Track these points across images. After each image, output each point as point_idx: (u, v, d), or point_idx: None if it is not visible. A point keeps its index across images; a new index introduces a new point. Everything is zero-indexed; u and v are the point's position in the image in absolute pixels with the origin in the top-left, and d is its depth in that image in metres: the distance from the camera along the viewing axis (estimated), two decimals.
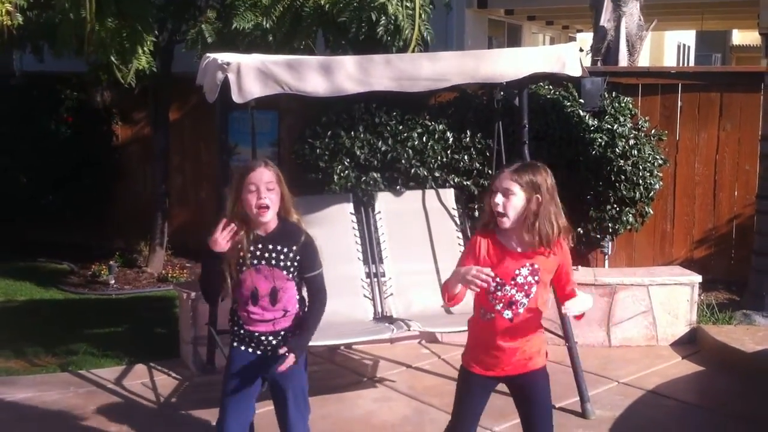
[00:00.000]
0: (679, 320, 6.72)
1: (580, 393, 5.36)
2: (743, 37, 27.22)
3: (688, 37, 25.51)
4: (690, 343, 6.68)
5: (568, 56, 5.27)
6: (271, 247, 3.69)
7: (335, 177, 7.67)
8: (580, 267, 7.04)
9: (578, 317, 3.66)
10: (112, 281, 8.55)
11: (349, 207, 6.12)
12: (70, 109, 9.88)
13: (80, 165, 9.83)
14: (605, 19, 10.96)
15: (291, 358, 3.61)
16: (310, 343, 5.36)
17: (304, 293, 3.86)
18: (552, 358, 6.18)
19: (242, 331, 3.76)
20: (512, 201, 3.43)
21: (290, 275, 3.73)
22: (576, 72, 5.35)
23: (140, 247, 9.32)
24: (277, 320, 3.74)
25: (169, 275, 8.66)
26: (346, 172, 7.71)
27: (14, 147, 9.69)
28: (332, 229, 6.00)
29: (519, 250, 3.50)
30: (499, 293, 3.50)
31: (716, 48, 27.11)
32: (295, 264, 3.73)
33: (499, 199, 3.44)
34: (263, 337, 3.75)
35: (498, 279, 3.46)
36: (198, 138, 9.73)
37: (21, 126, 9.73)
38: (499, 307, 3.51)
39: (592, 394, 5.44)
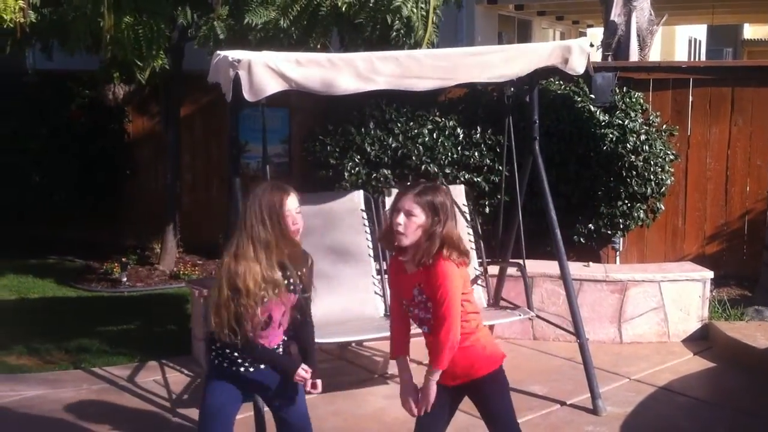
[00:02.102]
0: (690, 316, 6.70)
1: (591, 389, 5.35)
2: (755, 31, 27.12)
3: (699, 31, 25.39)
4: (702, 340, 6.66)
5: (572, 52, 5.28)
6: (288, 272, 3.62)
7: (346, 174, 7.69)
8: (591, 263, 7.03)
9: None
10: (125, 279, 8.57)
11: (360, 203, 6.12)
12: (81, 106, 9.92)
13: (92, 162, 9.87)
14: (616, 14, 10.93)
15: (319, 384, 3.74)
16: (320, 340, 5.40)
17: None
18: (563, 354, 6.26)
19: (235, 354, 3.63)
20: (413, 221, 3.50)
21: (297, 297, 3.71)
22: (580, 69, 5.35)
23: (152, 245, 9.35)
24: (275, 341, 3.72)
25: (181, 272, 8.69)
26: (357, 168, 7.72)
27: (26, 144, 9.74)
28: (343, 225, 6.01)
29: (408, 272, 3.61)
30: (410, 312, 3.66)
31: (727, 42, 26.96)
32: (301, 285, 3.70)
33: (401, 219, 3.51)
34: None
35: (404, 301, 3.67)
36: (209, 135, 9.75)
37: (33, 123, 9.78)
38: (417, 324, 3.67)
39: (603, 391, 5.43)
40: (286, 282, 3.60)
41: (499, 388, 3.68)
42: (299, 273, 3.69)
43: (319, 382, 3.74)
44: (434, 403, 3.66)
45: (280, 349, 3.76)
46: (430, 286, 3.50)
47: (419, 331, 5.64)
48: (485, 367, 3.63)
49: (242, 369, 3.67)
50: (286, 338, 3.79)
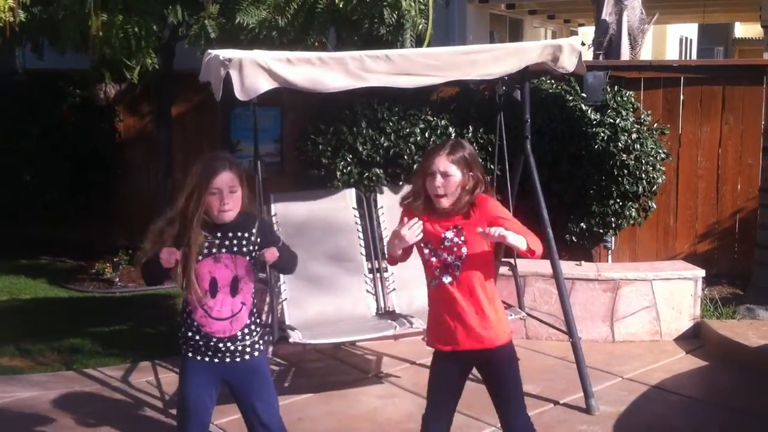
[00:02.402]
0: (682, 315, 6.71)
1: (584, 388, 5.36)
2: (746, 30, 27.16)
3: (690, 30, 25.44)
4: (694, 338, 6.68)
5: (563, 51, 5.30)
6: (231, 234, 3.62)
7: (338, 173, 7.68)
8: (583, 262, 7.04)
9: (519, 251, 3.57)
10: (117, 279, 8.55)
11: (352, 202, 6.12)
12: (72, 106, 9.88)
13: (83, 162, 9.83)
14: (607, 13, 10.96)
15: (272, 251, 3.63)
16: (315, 341, 5.37)
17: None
18: (555, 353, 6.27)
19: (197, 337, 3.64)
20: (451, 182, 3.55)
21: (252, 262, 3.67)
22: (570, 67, 5.37)
23: (144, 245, 9.31)
24: (234, 316, 3.63)
25: (173, 273, 8.64)
26: (349, 168, 7.71)
27: (17, 144, 9.70)
28: (335, 224, 6.01)
29: (440, 216, 3.62)
30: (434, 259, 3.62)
31: (719, 41, 27.02)
32: (256, 247, 3.67)
33: (439, 181, 3.54)
34: (221, 344, 3.63)
35: (429, 245, 3.61)
36: (200, 134, 9.72)
37: (24, 123, 9.73)
38: (437, 273, 3.62)
39: (596, 390, 5.44)
40: (226, 243, 3.60)
41: (513, 359, 3.69)
42: (246, 234, 3.64)
43: (268, 253, 3.61)
44: (445, 379, 3.70)
45: (248, 335, 3.67)
46: (483, 221, 3.54)
47: (414, 330, 5.65)
48: (504, 336, 3.65)
49: (206, 359, 3.66)
50: (254, 318, 3.72)
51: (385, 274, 6.00)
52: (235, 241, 3.63)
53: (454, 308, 3.60)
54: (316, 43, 6.53)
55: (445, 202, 3.57)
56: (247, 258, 3.65)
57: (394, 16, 6.34)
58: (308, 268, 5.78)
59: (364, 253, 6.02)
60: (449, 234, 3.59)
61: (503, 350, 3.65)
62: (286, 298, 5.70)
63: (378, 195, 6.21)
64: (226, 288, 3.62)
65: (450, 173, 3.55)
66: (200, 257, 3.56)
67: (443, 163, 3.56)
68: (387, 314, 5.82)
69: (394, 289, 5.96)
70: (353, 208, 6.11)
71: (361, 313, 5.87)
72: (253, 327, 3.71)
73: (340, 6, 6.32)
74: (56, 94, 9.85)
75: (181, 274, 3.60)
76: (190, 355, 3.68)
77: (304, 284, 5.81)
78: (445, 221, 3.61)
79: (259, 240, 3.68)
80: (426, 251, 3.65)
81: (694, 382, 5.90)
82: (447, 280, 3.60)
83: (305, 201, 6.09)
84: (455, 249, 3.58)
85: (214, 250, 3.60)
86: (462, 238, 3.57)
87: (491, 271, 3.67)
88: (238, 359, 3.68)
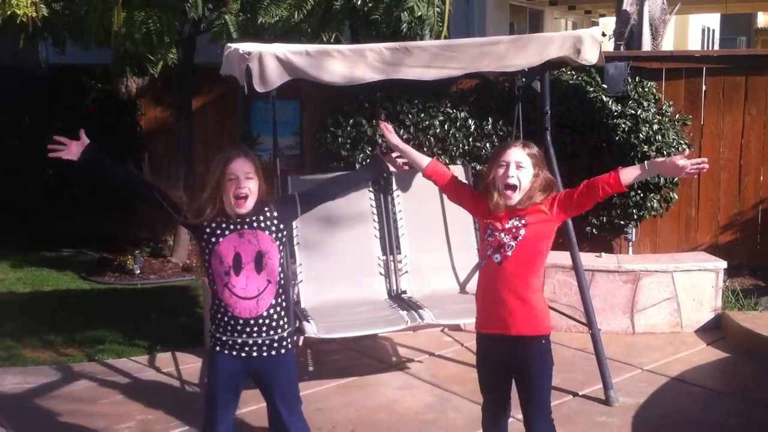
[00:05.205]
0: (703, 306, 6.68)
1: (604, 380, 5.35)
2: None
3: (712, 20, 25.25)
4: (715, 330, 6.64)
5: (584, 42, 5.26)
6: (251, 216, 3.71)
7: (357, 165, 7.70)
8: (603, 254, 7.02)
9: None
10: (138, 271, 8.61)
11: (368, 185, 6.16)
12: (94, 100, 9.95)
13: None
14: (628, 3, 10.90)
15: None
16: (329, 336, 5.37)
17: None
18: (575, 345, 6.26)
19: (225, 318, 3.65)
20: (524, 173, 3.57)
21: (274, 237, 3.71)
22: (592, 59, 5.33)
23: (165, 237, 9.39)
24: (260, 295, 3.65)
25: (194, 264, 8.71)
26: (368, 160, 7.72)
27: (40, 138, 9.77)
28: (350, 207, 6.03)
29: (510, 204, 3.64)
30: (490, 238, 3.63)
31: (741, 31, 26.80)
32: (275, 221, 3.74)
33: (512, 171, 3.55)
34: (248, 327, 3.64)
35: (491, 226, 3.63)
36: (221, 127, 9.77)
37: (46, 117, 9.81)
38: (489, 252, 3.62)
39: (615, 381, 5.43)
40: (247, 221, 3.67)
41: (547, 359, 3.68)
42: (265, 210, 3.73)
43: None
44: (491, 365, 3.75)
45: (275, 315, 3.70)
46: (539, 214, 3.59)
47: (436, 321, 5.65)
48: (543, 327, 3.65)
49: (233, 353, 3.69)
50: (281, 300, 3.74)
51: (398, 257, 6.04)
52: (254, 217, 3.70)
53: (497, 289, 3.60)
54: (332, 39, 6.55)
55: (516, 196, 3.57)
56: (267, 233, 3.70)
57: (412, 17, 6.36)
58: (323, 251, 5.84)
59: (378, 236, 6.06)
60: (515, 221, 3.60)
61: (540, 345, 3.62)
62: (301, 280, 5.76)
63: (393, 178, 6.23)
64: (251, 264, 3.65)
65: (524, 165, 3.57)
66: (227, 232, 3.65)
67: (518, 153, 3.58)
68: (398, 298, 5.85)
69: (406, 272, 6.00)
70: (369, 190, 6.14)
71: (373, 296, 5.90)
72: (279, 308, 3.72)
73: (358, 4, 6.34)
74: (78, 88, 9.92)
75: (202, 252, 3.74)
76: (217, 349, 3.72)
77: (319, 266, 5.86)
78: (513, 210, 3.62)
79: (276, 214, 3.77)
80: (487, 231, 3.67)
81: (715, 374, 5.87)
82: (496, 259, 3.59)
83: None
84: (514, 230, 3.58)
85: (237, 227, 3.67)
86: (523, 221, 3.58)
87: (542, 261, 3.65)
88: (265, 354, 3.70)
